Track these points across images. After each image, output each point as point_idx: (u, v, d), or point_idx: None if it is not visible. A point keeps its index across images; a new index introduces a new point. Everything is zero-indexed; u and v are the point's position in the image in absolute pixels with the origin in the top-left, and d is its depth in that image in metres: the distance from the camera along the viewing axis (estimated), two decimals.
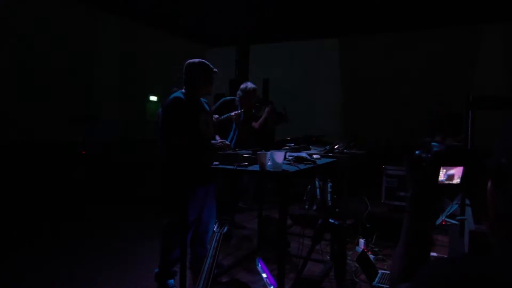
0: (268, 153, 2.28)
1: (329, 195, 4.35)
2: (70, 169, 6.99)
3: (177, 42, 12.57)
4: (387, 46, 11.28)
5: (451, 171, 0.80)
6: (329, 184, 4.25)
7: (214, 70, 2.89)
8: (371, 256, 3.45)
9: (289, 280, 2.91)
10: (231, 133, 4.08)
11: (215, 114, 3.76)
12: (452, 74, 10.47)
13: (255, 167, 2.35)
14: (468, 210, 2.73)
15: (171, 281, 2.86)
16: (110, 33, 10.50)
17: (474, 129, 2.65)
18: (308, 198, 5.17)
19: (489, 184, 0.60)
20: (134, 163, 8.81)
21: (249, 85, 4.11)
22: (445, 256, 3.37)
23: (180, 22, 11.00)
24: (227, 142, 3.01)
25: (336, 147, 3.57)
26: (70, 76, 9.18)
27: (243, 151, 2.76)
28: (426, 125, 5.50)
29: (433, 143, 0.82)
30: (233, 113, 3.72)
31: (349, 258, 3.38)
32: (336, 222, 2.82)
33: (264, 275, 2.86)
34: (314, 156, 2.93)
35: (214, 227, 2.49)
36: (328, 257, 3.38)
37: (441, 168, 0.79)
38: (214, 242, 2.32)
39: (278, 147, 3.48)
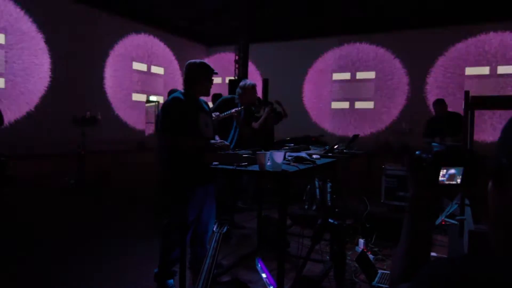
0: (268, 153, 2.28)
1: (328, 195, 4.35)
2: (70, 169, 6.99)
3: (177, 42, 12.57)
4: (387, 46, 11.29)
5: (452, 171, 0.80)
6: (329, 184, 4.25)
7: (215, 71, 2.89)
8: (371, 256, 3.45)
9: (289, 280, 2.91)
10: (232, 132, 4.07)
11: (216, 112, 3.74)
12: (452, 74, 10.47)
13: (255, 167, 2.35)
14: (468, 210, 2.73)
15: (171, 281, 2.86)
16: (110, 33, 10.49)
17: (474, 129, 2.65)
18: (307, 198, 5.17)
19: (490, 184, 0.60)
20: (134, 163, 8.81)
21: (248, 82, 4.11)
22: (444, 256, 3.37)
23: (180, 22, 11.00)
24: (227, 143, 3.01)
25: (335, 147, 3.57)
26: (70, 76, 9.18)
27: (243, 151, 2.76)
28: (426, 125, 5.50)
29: (433, 143, 0.82)
30: (233, 110, 3.72)
31: (349, 258, 3.38)
32: (336, 222, 2.82)
33: (263, 275, 2.86)
34: (314, 156, 2.92)
35: (213, 227, 2.49)
36: (328, 257, 3.38)
37: (442, 168, 0.79)
38: (213, 242, 2.32)
39: (278, 147, 3.48)
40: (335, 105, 12.19)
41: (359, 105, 11.79)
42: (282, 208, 2.35)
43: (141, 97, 11.55)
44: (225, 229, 2.39)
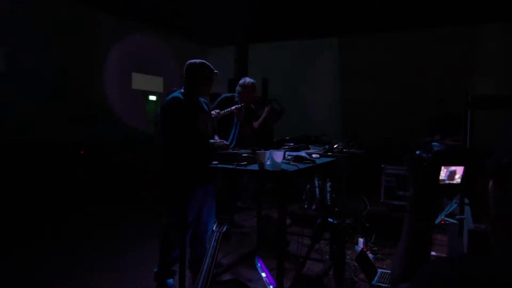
0: (267, 152, 2.28)
1: (328, 194, 4.36)
2: (70, 169, 6.98)
3: (176, 42, 12.56)
4: (387, 46, 11.29)
5: (452, 168, 0.80)
6: (328, 184, 4.26)
7: (215, 71, 2.89)
8: (370, 255, 3.45)
9: (288, 279, 2.91)
10: (232, 131, 4.07)
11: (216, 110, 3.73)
12: (452, 73, 10.48)
13: (254, 167, 2.35)
14: (467, 209, 2.73)
15: (171, 280, 2.86)
16: (110, 33, 10.48)
17: (473, 128, 2.65)
18: (307, 198, 5.17)
19: (490, 183, 0.60)
20: (134, 163, 8.80)
21: (248, 80, 4.10)
22: (444, 255, 3.37)
23: (179, 22, 10.99)
24: (226, 142, 3.01)
25: (335, 146, 3.57)
26: (70, 76, 9.17)
27: (242, 150, 2.76)
28: (426, 124, 5.51)
29: (433, 143, 0.82)
30: (233, 107, 3.71)
31: (348, 257, 3.38)
32: (335, 222, 2.83)
33: (263, 274, 2.86)
34: (314, 155, 2.93)
35: (213, 227, 2.49)
36: (327, 256, 3.39)
37: (442, 167, 0.80)
38: (213, 241, 2.32)
39: (278, 147, 3.48)
40: (335, 104, 12.19)
41: (359, 104, 11.78)
42: (282, 207, 2.35)
43: (141, 97, 11.54)
44: (224, 229, 2.39)
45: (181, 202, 2.59)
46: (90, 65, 9.93)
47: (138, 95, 11.44)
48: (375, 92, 11.55)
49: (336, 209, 4.06)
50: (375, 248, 3.73)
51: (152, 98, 11.60)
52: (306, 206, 5.15)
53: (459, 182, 0.81)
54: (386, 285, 2.89)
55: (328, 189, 4.40)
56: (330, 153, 3.33)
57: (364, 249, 3.54)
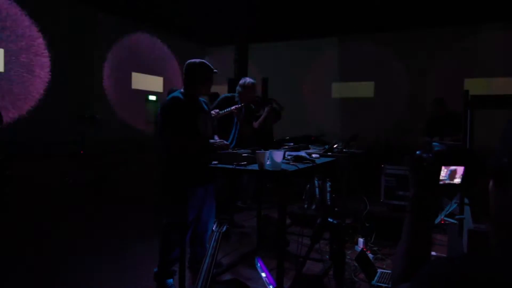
0: (267, 152, 2.28)
1: (328, 194, 4.35)
2: (69, 168, 6.98)
3: (176, 41, 12.57)
4: (387, 45, 11.29)
5: (453, 168, 0.80)
6: (328, 184, 4.25)
7: (214, 70, 2.89)
8: (370, 255, 3.45)
9: (288, 279, 2.91)
10: (233, 131, 4.07)
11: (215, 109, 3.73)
12: (452, 73, 10.47)
13: (254, 167, 2.35)
14: (467, 209, 2.73)
15: (170, 280, 2.86)
16: (110, 33, 10.48)
17: (473, 128, 2.65)
18: (307, 198, 5.17)
19: (491, 183, 0.60)
20: (134, 163, 8.81)
21: (248, 80, 4.10)
22: (444, 255, 3.37)
23: (179, 22, 10.99)
24: (226, 142, 3.01)
25: (335, 146, 3.57)
26: (70, 76, 9.17)
27: (242, 150, 2.76)
28: (426, 124, 5.50)
29: (434, 143, 0.82)
30: (233, 107, 3.71)
31: (348, 257, 3.38)
32: (335, 221, 2.82)
33: (263, 274, 2.86)
34: (313, 155, 2.93)
35: (213, 227, 2.49)
36: (327, 256, 3.38)
37: (442, 167, 0.80)
38: (213, 241, 2.32)
39: (277, 147, 3.48)
40: (335, 104, 12.19)
41: (358, 104, 11.78)
42: (282, 207, 2.35)
43: (141, 97, 11.54)
44: (224, 229, 2.39)
45: (181, 202, 2.59)
46: (90, 65, 9.93)
47: (138, 95, 11.45)
48: (375, 92, 11.55)
49: (336, 209, 4.06)
50: (375, 248, 3.73)
51: (152, 98, 11.60)
52: (306, 206, 5.15)
53: (459, 182, 0.81)
54: (386, 285, 2.89)
55: (328, 189, 4.40)
56: (330, 153, 3.33)
57: (364, 249, 3.54)
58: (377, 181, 5.03)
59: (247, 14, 9.04)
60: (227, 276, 3.07)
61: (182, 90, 2.87)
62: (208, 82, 2.89)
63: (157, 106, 11.15)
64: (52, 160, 7.52)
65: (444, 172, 0.80)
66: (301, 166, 2.44)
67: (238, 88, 4.09)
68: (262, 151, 2.32)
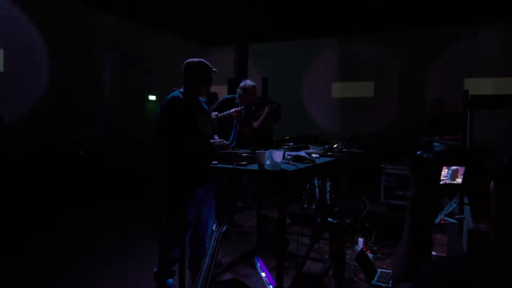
0: (267, 152, 2.28)
1: (328, 194, 4.35)
2: (69, 169, 6.98)
3: (176, 41, 12.56)
4: (387, 45, 11.29)
5: (454, 168, 0.80)
6: (328, 183, 4.26)
7: (213, 70, 2.89)
8: (370, 255, 3.45)
9: (288, 279, 2.91)
10: (233, 131, 4.08)
11: (216, 112, 3.75)
12: (452, 73, 10.47)
13: (254, 166, 2.35)
14: (467, 209, 2.73)
15: (170, 280, 2.86)
16: (110, 33, 10.48)
17: (473, 128, 2.65)
18: (307, 197, 5.17)
19: (492, 184, 0.60)
20: (134, 163, 8.80)
21: (248, 82, 4.12)
22: (443, 254, 3.37)
23: (179, 22, 10.99)
24: (226, 142, 3.01)
25: (335, 146, 3.57)
26: (70, 76, 9.16)
27: (242, 150, 2.76)
28: (425, 124, 5.51)
29: (435, 143, 0.82)
30: (232, 110, 3.72)
31: (348, 257, 3.38)
32: (335, 221, 2.82)
33: (263, 274, 2.87)
34: (313, 155, 2.93)
35: (213, 227, 2.49)
36: (327, 256, 3.39)
37: (443, 168, 0.80)
38: (213, 241, 2.32)
39: (277, 147, 3.48)
40: (335, 104, 12.19)
41: (358, 104, 11.78)
42: (282, 207, 2.35)
43: (141, 97, 11.54)
44: (224, 228, 2.39)
45: (181, 202, 2.59)
46: (90, 65, 9.93)
47: (138, 95, 11.45)
48: (375, 92, 11.55)
49: (335, 208, 4.06)
50: (374, 248, 3.73)
51: (152, 98, 11.60)
52: (305, 206, 5.15)
53: (460, 182, 0.81)
54: (385, 285, 2.89)
55: (328, 189, 4.40)
56: (329, 153, 3.33)
57: (364, 249, 3.54)
58: (377, 181, 5.03)
59: (247, 14, 9.04)
60: (227, 276, 3.07)
61: (181, 89, 2.87)
62: (207, 82, 2.89)
63: (157, 106, 11.15)
64: (52, 160, 7.51)
65: (445, 172, 0.80)
66: (301, 166, 2.44)
67: (238, 90, 4.11)
68: (262, 151, 2.32)
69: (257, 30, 10.52)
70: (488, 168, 0.62)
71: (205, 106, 2.99)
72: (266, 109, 4.56)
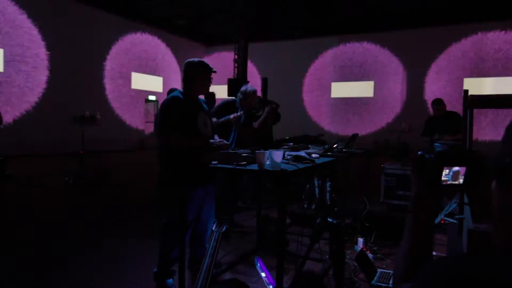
0: (267, 152, 2.28)
1: (328, 194, 4.35)
2: (68, 168, 6.99)
3: (176, 41, 12.56)
4: (386, 45, 11.28)
5: (456, 169, 0.80)
6: (328, 183, 4.25)
7: (213, 70, 2.89)
8: (370, 255, 3.45)
9: (288, 279, 2.92)
10: (233, 132, 4.09)
11: (216, 115, 3.77)
12: (452, 73, 10.47)
13: (254, 166, 2.35)
14: (467, 209, 2.73)
15: (170, 280, 2.86)
16: (110, 33, 10.47)
17: (473, 128, 2.65)
18: (307, 197, 5.17)
19: (493, 184, 0.60)
20: (134, 163, 8.80)
21: (249, 88, 4.15)
22: (443, 254, 3.37)
23: (179, 21, 10.99)
24: (226, 142, 3.01)
25: (334, 146, 3.57)
26: (70, 76, 9.16)
27: (242, 150, 2.76)
28: (425, 124, 5.51)
29: (435, 143, 0.83)
30: (231, 116, 3.73)
31: (348, 257, 3.38)
32: (335, 221, 2.82)
33: (263, 274, 2.86)
34: (313, 155, 2.93)
35: (212, 227, 2.49)
36: (327, 256, 3.39)
37: (444, 168, 0.80)
38: (212, 241, 2.32)
39: (277, 147, 3.48)
40: (334, 104, 12.19)
41: (358, 104, 11.79)
42: (281, 207, 2.35)
43: (140, 97, 11.54)
44: (224, 228, 2.39)
45: (181, 202, 2.59)
46: (90, 65, 9.92)
47: (138, 95, 11.44)
48: (375, 92, 11.55)
49: (335, 208, 4.06)
50: (374, 248, 3.73)
51: (152, 98, 11.60)
52: (305, 206, 5.15)
53: (461, 182, 0.81)
54: (385, 285, 2.89)
55: (328, 188, 4.40)
56: (329, 153, 3.33)
57: (364, 249, 3.54)
58: (377, 181, 5.03)
59: (247, 14, 9.04)
60: (227, 276, 3.07)
61: (181, 89, 2.88)
62: (207, 82, 2.89)
63: (157, 106, 11.15)
64: (52, 160, 7.51)
65: (446, 173, 0.80)
66: (300, 166, 2.44)
67: (239, 94, 4.13)
68: (262, 151, 2.32)
69: (257, 30, 10.51)
70: (489, 168, 0.62)
71: (204, 106, 2.99)
72: (266, 109, 4.56)
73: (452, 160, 0.80)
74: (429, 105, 5.74)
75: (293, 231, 3.81)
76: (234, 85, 8.78)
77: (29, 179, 6.51)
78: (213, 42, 13.25)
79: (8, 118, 7.93)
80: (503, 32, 9.66)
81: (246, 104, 4.07)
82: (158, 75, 12.24)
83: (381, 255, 3.60)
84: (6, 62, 8.11)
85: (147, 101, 11.60)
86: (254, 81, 11.37)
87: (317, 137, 6.32)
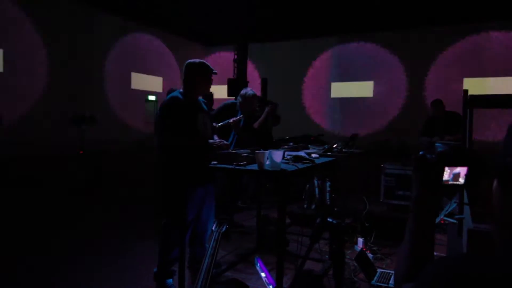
0: (267, 152, 2.28)
1: (327, 194, 4.35)
2: (69, 169, 6.98)
3: (176, 41, 12.56)
4: (386, 45, 11.28)
5: (457, 170, 0.80)
6: (328, 183, 4.26)
7: (214, 71, 2.89)
8: (370, 255, 3.45)
9: (288, 279, 2.92)
10: (232, 132, 4.09)
11: (216, 118, 3.78)
12: (452, 73, 10.47)
13: (254, 166, 2.35)
14: (467, 209, 2.73)
15: (170, 280, 2.86)
16: (110, 33, 10.47)
17: (472, 127, 2.65)
18: (306, 197, 5.17)
19: (495, 184, 0.60)
20: (134, 163, 8.80)
21: (249, 91, 4.15)
22: (443, 254, 3.37)
23: (179, 22, 10.98)
24: (226, 142, 3.01)
25: (334, 146, 3.57)
26: (70, 76, 9.16)
27: (242, 150, 2.76)
28: (424, 124, 5.50)
29: (437, 144, 0.83)
30: (231, 120, 3.74)
31: (348, 257, 3.38)
32: (335, 221, 2.82)
33: (262, 274, 2.87)
34: (313, 155, 2.93)
35: (212, 227, 2.49)
36: (327, 256, 3.39)
37: (446, 168, 0.80)
38: (212, 241, 2.32)
39: (277, 147, 3.48)
40: (334, 104, 12.19)
41: (358, 104, 11.79)
42: (281, 207, 2.35)
43: (140, 97, 11.54)
44: (224, 228, 2.39)
45: (181, 202, 2.59)
46: (90, 65, 9.93)
47: (138, 95, 11.45)
48: (374, 92, 11.55)
49: (335, 208, 4.06)
50: (374, 248, 3.73)
51: (152, 98, 11.59)
52: (305, 205, 5.15)
53: (462, 182, 0.81)
54: (385, 285, 2.89)
55: (328, 188, 4.40)
56: (329, 153, 3.34)
57: (364, 249, 3.54)
58: (376, 180, 5.03)
59: (247, 14, 9.03)
60: (227, 276, 3.07)
61: (181, 90, 2.88)
62: (207, 83, 2.89)
63: (157, 106, 11.15)
64: (52, 160, 7.51)
65: (447, 174, 0.80)
66: (300, 166, 2.44)
67: (239, 98, 4.13)
68: (262, 151, 2.32)
69: (257, 30, 10.51)
70: (491, 168, 0.62)
71: (204, 106, 2.99)
72: (266, 109, 4.56)
73: (454, 160, 0.80)
74: (429, 105, 5.74)
75: (293, 231, 3.82)
76: (233, 85, 8.78)
77: (29, 179, 6.51)
78: (213, 42, 13.24)
79: (8, 118, 7.93)
80: (503, 32, 9.66)
81: (245, 108, 4.08)
82: (158, 75, 12.24)
83: (381, 255, 3.60)
84: (6, 62, 8.11)
85: (147, 101, 11.59)
86: (254, 81, 11.36)
87: (317, 137, 6.31)
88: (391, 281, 2.93)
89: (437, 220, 4.05)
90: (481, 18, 9.43)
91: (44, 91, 8.87)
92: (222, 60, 12.60)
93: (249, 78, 10.29)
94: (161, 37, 12.13)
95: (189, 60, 2.88)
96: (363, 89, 11.71)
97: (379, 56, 11.36)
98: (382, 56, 11.32)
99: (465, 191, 2.58)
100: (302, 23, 10.61)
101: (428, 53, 10.58)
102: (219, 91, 8.33)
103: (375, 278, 2.99)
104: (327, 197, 4.38)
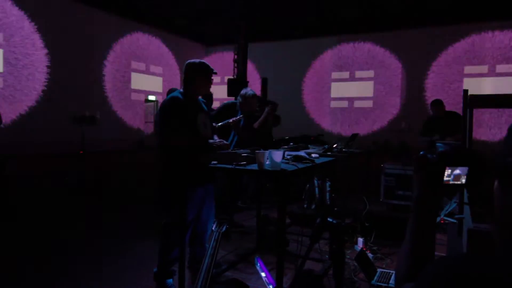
0: (267, 152, 2.28)
1: (327, 194, 4.35)
2: (69, 168, 6.98)
3: (176, 41, 12.56)
4: (385, 45, 11.29)
5: (457, 171, 0.80)
6: (328, 183, 4.25)
7: (214, 71, 2.89)
8: (370, 255, 3.45)
9: (288, 279, 2.92)
10: (232, 132, 4.09)
11: (216, 118, 3.78)
12: (451, 73, 10.47)
13: (254, 166, 2.35)
14: (467, 209, 2.73)
15: (170, 280, 2.86)
16: (110, 33, 10.47)
17: (472, 127, 2.65)
18: (306, 197, 5.17)
19: (496, 184, 0.60)
20: (134, 162, 8.80)
21: (249, 91, 4.15)
22: (443, 254, 3.37)
23: (179, 22, 10.98)
24: (226, 142, 3.01)
25: (334, 146, 3.57)
26: (70, 76, 9.16)
27: (242, 150, 2.76)
28: (423, 124, 5.51)
29: (438, 144, 0.82)
30: (231, 120, 3.74)
31: (348, 257, 3.38)
32: (335, 221, 2.82)
33: (263, 274, 2.86)
34: (313, 155, 2.93)
35: (212, 227, 2.49)
36: (327, 256, 3.39)
37: (447, 169, 0.80)
38: (212, 241, 2.32)
39: (277, 147, 3.48)
40: (334, 104, 12.19)
41: (358, 104, 11.79)
42: (281, 207, 2.35)
43: (140, 97, 11.55)
44: (224, 228, 2.39)
45: (181, 202, 2.59)
46: (90, 65, 9.93)
47: (138, 95, 11.45)
48: (375, 92, 11.55)
49: (335, 208, 4.06)
50: (374, 248, 3.73)
51: (152, 98, 11.60)
52: (305, 205, 5.15)
53: (463, 182, 0.81)
54: (385, 285, 2.89)
55: (328, 188, 4.40)
56: (329, 153, 3.33)
57: (364, 249, 3.54)
58: (376, 180, 5.03)
59: (247, 14, 9.04)
60: (227, 276, 3.07)
61: (181, 90, 2.88)
62: (207, 83, 2.89)
63: (156, 106, 11.15)
64: (52, 160, 7.52)
65: (448, 173, 0.80)
66: (300, 166, 2.44)
67: (239, 98, 4.13)
68: (262, 151, 2.32)
69: (257, 30, 10.51)
70: (491, 168, 0.62)
71: (204, 106, 2.99)
72: (266, 109, 4.57)
73: (455, 160, 0.80)
74: (429, 105, 5.74)
75: (293, 231, 3.82)
76: (233, 85, 8.78)
77: (29, 179, 6.51)
78: (213, 42, 13.25)
79: (8, 118, 7.93)
80: (503, 32, 9.66)
81: (245, 108, 4.08)
82: (158, 75, 12.24)
83: (381, 255, 3.60)
84: (6, 62, 8.11)
85: (147, 101, 11.60)
86: (254, 81, 11.37)
87: (317, 137, 6.31)
88: (391, 281, 2.93)
89: (437, 219, 4.06)
90: (481, 18, 9.43)
91: (44, 91, 8.87)
92: (222, 60, 12.60)
93: (249, 78, 10.30)
94: (161, 37, 12.13)
95: (189, 60, 2.88)
96: (364, 89, 11.71)
97: (379, 56, 11.36)
98: (382, 56, 11.32)
99: (465, 191, 2.58)
100: (302, 23, 10.60)
101: (428, 53, 10.58)
102: (219, 91, 8.33)
103: (375, 278, 2.99)
104: (327, 197, 4.38)
